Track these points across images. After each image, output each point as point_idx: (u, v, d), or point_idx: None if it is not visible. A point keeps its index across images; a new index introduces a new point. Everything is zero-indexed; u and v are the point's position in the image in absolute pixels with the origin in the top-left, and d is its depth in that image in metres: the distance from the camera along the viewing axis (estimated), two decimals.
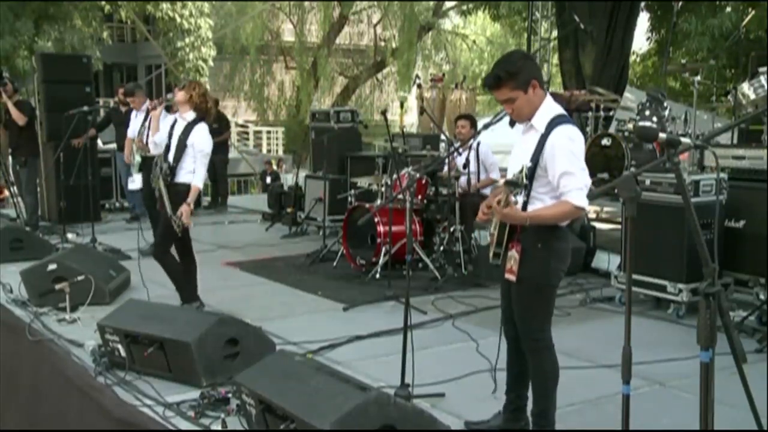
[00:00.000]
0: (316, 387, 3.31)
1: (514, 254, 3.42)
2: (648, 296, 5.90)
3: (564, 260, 3.51)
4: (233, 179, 21.94)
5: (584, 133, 9.18)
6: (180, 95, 5.59)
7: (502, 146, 8.51)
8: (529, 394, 3.65)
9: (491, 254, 3.61)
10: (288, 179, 11.95)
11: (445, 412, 3.90)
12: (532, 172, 3.30)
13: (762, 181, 5.88)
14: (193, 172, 5.57)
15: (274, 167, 21.17)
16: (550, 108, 3.40)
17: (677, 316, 5.67)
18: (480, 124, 7.74)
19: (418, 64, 27.90)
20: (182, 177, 5.56)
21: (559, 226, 3.39)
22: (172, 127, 5.66)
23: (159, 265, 5.72)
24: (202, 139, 5.59)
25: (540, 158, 3.30)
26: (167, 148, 5.62)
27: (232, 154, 27.04)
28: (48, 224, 9.69)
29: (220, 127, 11.76)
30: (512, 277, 3.45)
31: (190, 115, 5.61)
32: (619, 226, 7.77)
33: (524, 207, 3.37)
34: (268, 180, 19.42)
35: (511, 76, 3.31)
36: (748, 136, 7.15)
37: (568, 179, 3.25)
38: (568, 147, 3.26)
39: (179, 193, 5.51)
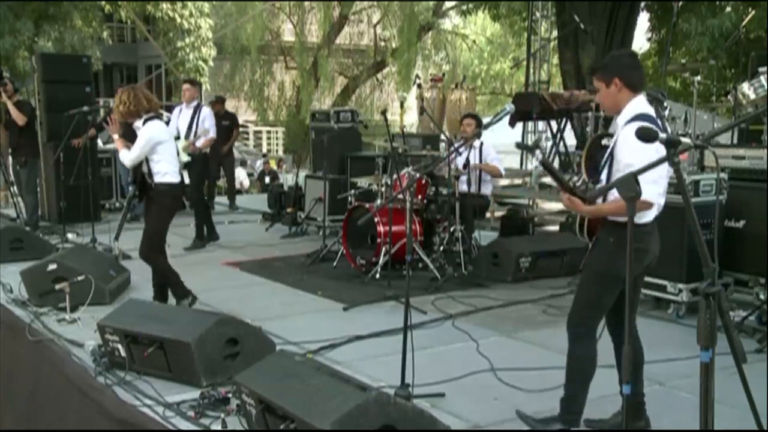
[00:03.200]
0: (316, 387, 3.31)
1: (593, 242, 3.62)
2: (648, 296, 5.90)
3: (637, 260, 3.45)
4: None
5: (584, 133, 9.19)
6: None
7: (502, 146, 8.52)
8: (646, 391, 3.75)
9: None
10: (288, 179, 11.95)
11: (445, 412, 3.90)
12: (609, 168, 3.52)
13: (762, 181, 5.88)
14: (171, 172, 5.61)
15: (273, 167, 21.18)
16: (635, 108, 3.55)
17: (677, 316, 5.67)
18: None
19: (418, 64, 27.92)
20: (160, 177, 5.59)
21: (638, 225, 3.45)
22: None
23: (147, 263, 5.75)
24: (140, 136, 5.55)
25: (614, 153, 3.49)
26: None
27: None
28: (48, 224, 9.68)
29: (231, 125, 11.84)
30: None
31: (139, 123, 5.62)
32: None
33: (604, 200, 3.53)
34: (267, 180, 19.47)
35: (598, 69, 3.66)
36: (748, 136, 7.15)
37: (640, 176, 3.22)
38: (636, 143, 3.16)
39: (162, 193, 5.58)
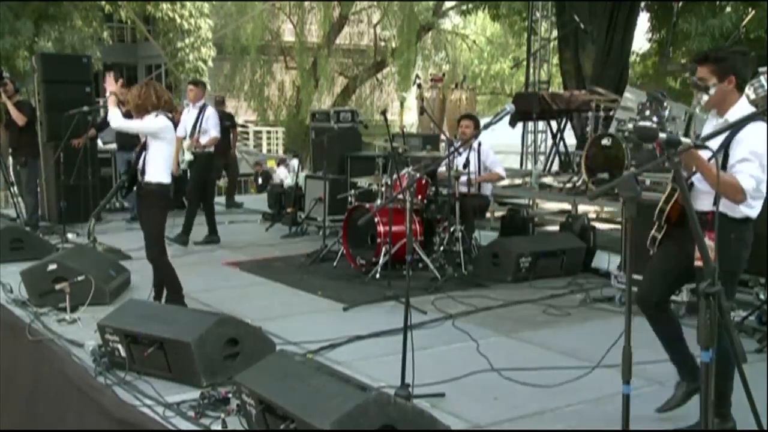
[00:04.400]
0: (316, 387, 3.31)
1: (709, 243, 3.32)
2: None
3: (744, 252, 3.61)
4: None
5: (584, 133, 9.19)
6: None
7: (502, 146, 8.53)
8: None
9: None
10: (288, 179, 11.96)
11: (445, 412, 3.90)
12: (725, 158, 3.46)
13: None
14: (164, 172, 5.56)
15: (265, 167, 21.15)
16: (742, 109, 3.54)
17: (677, 316, 5.66)
18: (480, 124, 7.75)
19: (418, 64, 27.92)
20: (152, 176, 5.54)
21: (746, 219, 3.51)
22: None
23: (153, 269, 5.72)
24: (149, 119, 5.57)
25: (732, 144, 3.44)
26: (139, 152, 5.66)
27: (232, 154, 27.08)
28: (48, 224, 9.68)
29: (232, 125, 11.88)
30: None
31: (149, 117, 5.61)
32: (619, 226, 7.78)
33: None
34: (260, 181, 19.49)
35: (714, 61, 3.51)
36: None
37: (745, 165, 3.39)
38: (755, 139, 3.39)
39: (152, 192, 5.54)
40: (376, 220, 6.88)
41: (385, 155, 7.60)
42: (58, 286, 5.67)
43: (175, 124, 6.15)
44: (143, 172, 5.53)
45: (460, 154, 7.51)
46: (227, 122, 11.32)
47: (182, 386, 4.17)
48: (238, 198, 12.89)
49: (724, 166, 3.46)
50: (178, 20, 26.49)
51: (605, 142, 7.66)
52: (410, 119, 18.15)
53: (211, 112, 8.69)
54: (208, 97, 9.58)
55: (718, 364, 3.02)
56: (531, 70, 13.57)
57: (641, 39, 18.46)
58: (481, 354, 4.80)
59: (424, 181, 7.24)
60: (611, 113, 8.70)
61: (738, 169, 3.40)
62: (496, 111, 4.88)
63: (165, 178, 5.56)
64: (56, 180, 9.22)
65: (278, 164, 22.28)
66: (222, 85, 29.87)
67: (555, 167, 12.09)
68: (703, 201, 3.50)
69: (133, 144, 7.83)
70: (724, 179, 3.32)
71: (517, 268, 6.91)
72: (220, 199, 12.81)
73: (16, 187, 9.72)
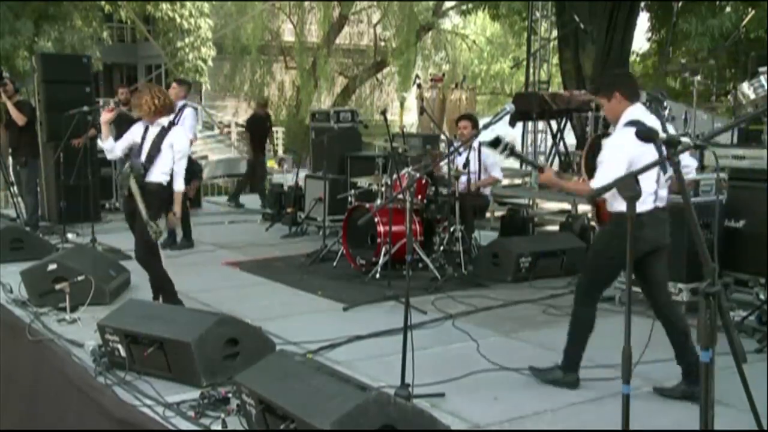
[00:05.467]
0: (316, 387, 3.30)
1: None
2: None
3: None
4: (233, 179, 21.96)
5: (584, 133, 9.20)
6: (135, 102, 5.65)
7: None
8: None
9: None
10: (288, 179, 11.96)
11: (445, 412, 3.90)
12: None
13: (762, 181, 5.87)
14: (167, 174, 5.53)
15: (274, 166, 21.13)
16: (631, 115, 4.09)
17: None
18: (480, 124, 7.75)
19: (418, 64, 27.93)
20: (154, 177, 5.51)
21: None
22: (145, 131, 5.62)
23: (145, 269, 5.70)
24: (181, 139, 5.60)
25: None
26: (139, 152, 5.58)
27: (232, 153, 27.16)
28: (48, 224, 9.68)
29: (271, 126, 11.98)
30: None
31: (164, 120, 5.60)
32: None
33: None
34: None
35: (598, 90, 4.34)
36: (748, 136, 7.15)
37: (599, 167, 4.07)
38: (612, 143, 4.09)
39: (151, 193, 5.48)
40: (376, 220, 6.88)
41: (385, 155, 7.60)
42: (58, 286, 5.66)
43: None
44: (146, 172, 5.52)
45: (459, 154, 7.51)
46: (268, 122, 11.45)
47: (182, 386, 4.16)
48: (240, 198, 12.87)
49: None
50: (178, 20, 26.50)
51: (605, 142, 7.65)
52: (410, 119, 18.16)
53: (188, 113, 8.44)
54: (209, 96, 9.56)
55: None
56: (531, 70, 13.56)
57: (641, 39, 18.48)
58: (481, 354, 4.80)
59: (424, 181, 7.24)
60: None
61: (597, 172, 4.05)
62: (496, 111, 4.88)
63: (166, 180, 5.56)
64: (56, 180, 9.21)
65: (279, 164, 22.29)
66: (222, 85, 29.90)
67: (555, 167, 12.08)
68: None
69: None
70: (580, 189, 4.26)
71: (517, 268, 6.91)
72: (219, 198, 12.82)
73: (16, 187, 9.72)
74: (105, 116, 5.70)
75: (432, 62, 30.67)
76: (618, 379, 2.74)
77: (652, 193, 4.09)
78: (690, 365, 4.06)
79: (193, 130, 8.56)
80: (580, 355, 4.31)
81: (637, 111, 4.12)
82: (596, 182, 3.99)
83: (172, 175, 5.55)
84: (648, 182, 3.94)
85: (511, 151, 4.25)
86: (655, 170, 4.01)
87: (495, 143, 4.27)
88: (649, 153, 3.77)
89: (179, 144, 5.56)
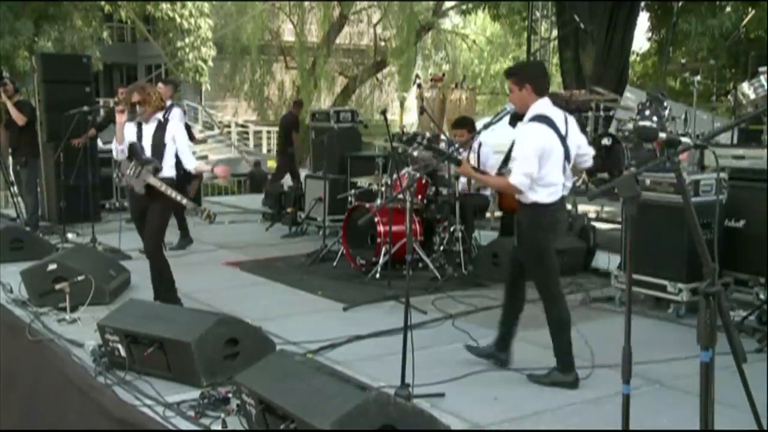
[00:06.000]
0: (316, 387, 3.31)
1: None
2: (648, 296, 5.90)
3: (552, 230, 4.44)
4: (233, 179, 21.96)
5: (584, 133, 9.18)
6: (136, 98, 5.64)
7: (502, 146, 8.52)
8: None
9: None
10: (288, 179, 11.95)
11: (445, 412, 3.90)
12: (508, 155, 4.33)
13: (762, 181, 5.87)
14: (173, 167, 5.65)
15: (274, 166, 21.14)
16: (538, 109, 4.27)
17: (677, 316, 5.67)
18: (480, 124, 7.74)
19: (418, 63, 27.91)
20: (165, 172, 5.62)
21: (548, 204, 4.31)
22: (140, 129, 5.67)
23: (150, 262, 5.72)
24: (181, 132, 5.75)
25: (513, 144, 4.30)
26: (141, 150, 5.64)
27: (232, 154, 27.16)
28: (48, 224, 9.68)
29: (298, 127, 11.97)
30: None
31: (159, 114, 5.68)
32: (619, 226, 7.77)
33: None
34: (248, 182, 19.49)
35: (513, 74, 4.38)
36: (748, 136, 7.15)
37: (514, 163, 4.25)
38: (525, 139, 4.21)
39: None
40: (376, 220, 6.88)
41: (385, 155, 7.59)
42: (58, 286, 5.67)
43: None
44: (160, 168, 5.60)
45: (460, 154, 7.50)
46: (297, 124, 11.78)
47: (182, 386, 4.17)
48: (237, 198, 12.87)
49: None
50: (178, 20, 26.50)
51: (605, 142, 7.66)
52: (410, 119, 18.14)
53: (176, 113, 8.34)
54: (209, 96, 9.55)
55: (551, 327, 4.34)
56: None
57: (641, 39, 18.50)
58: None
59: (424, 181, 7.24)
60: (611, 113, 8.70)
61: (511, 169, 4.27)
62: (496, 111, 4.88)
63: (175, 173, 5.70)
64: (56, 180, 9.21)
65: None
66: (222, 85, 29.88)
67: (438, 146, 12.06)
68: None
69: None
70: (499, 183, 4.48)
71: None
72: (220, 198, 12.81)
73: (16, 187, 9.72)
74: (120, 118, 5.64)
75: (432, 62, 30.65)
76: (618, 379, 2.73)
77: (562, 184, 4.35)
78: (506, 335, 4.61)
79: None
80: (571, 351, 4.37)
81: (544, 105, 4.31)
82: (513, 176, 4.21)
83: (177, 167, 5.68)
84: (558, 173, 4.29)
85: (426, 146, 4.50)
86: (562, 161, 4.29)
87: (410, 140, 4.56)
88: (557, 147, 4.22)
89: (180, 137, 5.71)
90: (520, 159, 4.20)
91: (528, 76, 4.34)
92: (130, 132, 5.69)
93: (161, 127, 5.65)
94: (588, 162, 4.67)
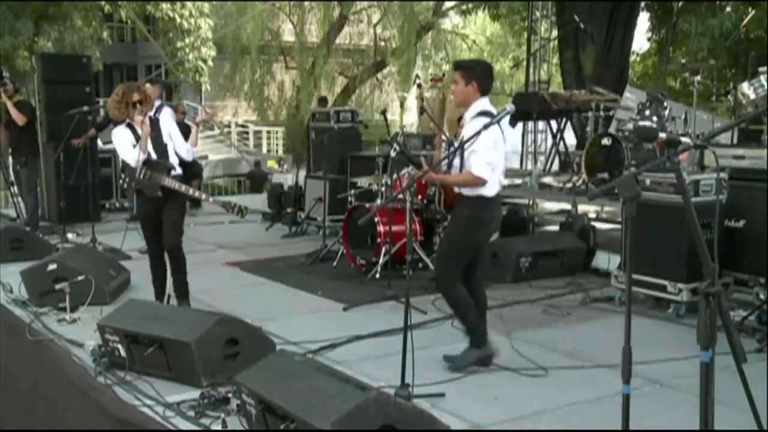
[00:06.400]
0: (316, 387, 3.31)
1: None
2: (648, 296, 5.90)
3: (487, 227, 4.66)
4: (233, 179, 21.98)
5: (584, 133, 9.18)
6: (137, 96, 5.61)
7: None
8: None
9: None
10: (288, 179, 11.95)
11: (445, 412, 3.90)
12: (461, 154, 4.42)
13: (762, 181, 5.87)
14: (179, 164, 5.70)
15: (275, 166, 21.19)
16: (480, 106, 4.51)
17: (677, 316, 5.67)
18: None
19: (418, 63, 27.90)
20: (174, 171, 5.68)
21: (486, 197, 4.44)
22: (133, 130, 5.60)
23: (173, 258, 5.68)
24: (174, 126, 5.80)
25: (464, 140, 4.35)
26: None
27: (232, 153, 27.16)
28: (48, 224, 9.68)
29: None
30: None
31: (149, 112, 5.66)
32: (619, 226, 7.78)
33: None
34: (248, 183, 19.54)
35: (462, 68, 4.58)
36: (748, 136, 7.15)
37: (474, 156, 4.35)
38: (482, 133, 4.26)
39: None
40: (376, 220, 6.88)
41: (385, 155, 7.59)
42: (58, 286, 5.67)
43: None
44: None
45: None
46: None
47: (182, 386, 4.17)
48: (237, 198, 12.87)
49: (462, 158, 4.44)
50: (178, 20, 26.50)
51: (605, 142, 7.65)
52: (410, 119, 18.16)
53: (167, 112, 8.44)
54: (209, 96, 9.53)
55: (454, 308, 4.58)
56: (531, 70, 13.55)
57: (641, 39, 18.50)
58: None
59: (424, 181, 7.23)
60: (611, 113, 8.69)
61: (470, 162, 4.37)
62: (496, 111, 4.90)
63: (181, 171, 5.75)
64: (56, 180, 9.22)
65: (278, 164, 22.33)
66: (222, 85, 29.87)
67: (555, 167, 12.08)
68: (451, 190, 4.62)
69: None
70: (464, 178, 4.42)
71: (517, 268, 6.91)
72: (220, 198, 12.77)
73: (16, 187, 9.72)
74: (146, 129, 5.55)
75: (432, 62, 30.65)
76: (618, 379, 2.73)
77: (499, 180, 4.51)
78: (482, 331, 4.66)
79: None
80: (478, 326, 4.59)
81: (486, 103, 4.57)
82: (476, 167, 4.34)
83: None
84: (501, 168, 4.50)
85: (397, 150, 4.78)
86: (504, 159, 4.53)
87: (391, 141, 4.68)
88: (502, 143, 4.46)
89: (174, 132, 5.76)
90: (481, 150, 4.34)
91: (477, 75, 4.53)
92: (126, 135, 5.60)
93: (155, 126, 5.64)
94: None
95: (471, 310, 4.58)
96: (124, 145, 5.60)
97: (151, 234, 5.74)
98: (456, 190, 4.60)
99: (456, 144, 7.70)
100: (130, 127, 5.60)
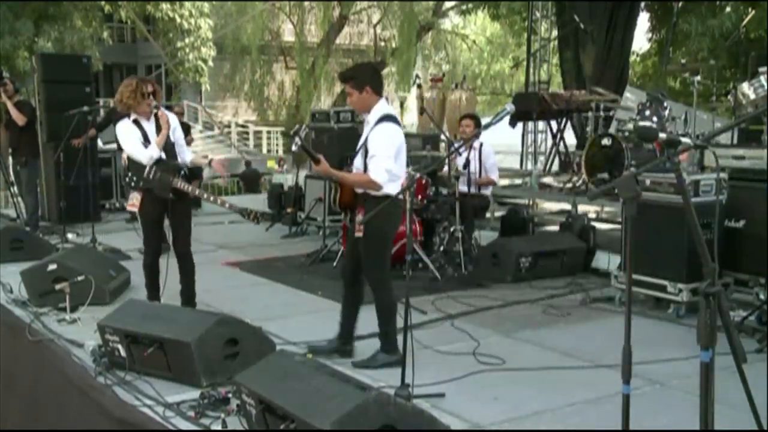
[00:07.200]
0: (316, 387, 3.30)
1: (359, 216, 4.62)
2: (648, 296, 5.90)
3: (394, 222, 4.75)
4: (233, 179, 21.96)
5: (584, 133, 9.19)
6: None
7: (502, 146, 8.52)
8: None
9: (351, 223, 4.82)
10: (288, 179, 11.95)
11: (445, 412, 3.90)
12: (364, 156, 4.51)
13: (762, 181, 5.87)
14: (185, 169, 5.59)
15: (274, 166, 21.19)
16: (381, 109, 4.56)
17: (677, 316, 5.67)
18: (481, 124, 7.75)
19: (418, 64, 27.92)
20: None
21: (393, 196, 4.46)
22: (140, 127, 5.44)
23: (183, 262, 5.66)
24: (176, 124, 5.61)
25: (367, 145, 4.50)
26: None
27: (232, 153, 27.18)
28: (48, 224, 9.68)
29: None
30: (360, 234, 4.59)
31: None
32: (619, 226, 7.78)
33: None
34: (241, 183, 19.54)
35: (351, 78, 4.58)
36: (748, 136, 7.15)
37: (374, 160, 4.45)
38: (382, 138, 4.45)
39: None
40: None
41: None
42: (58, 286, 5.66)
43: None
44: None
45: (460, 154, 7.51)
46: None
47: (182, 386, 4.16)
48: (237, 198, 12.86)
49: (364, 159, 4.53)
50: (178, 20, 26.51)
51: (605, 142, 7.66)
52: (410, 119, 18.16)
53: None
54: (209, 96, 9.53)
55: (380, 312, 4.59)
56: (531, 70, 13.57)
57: (641, 39, 18.54)
58: (481, 354, 4.80)
59: (424, 181, 7.24)
60: (611, 113, 8.70)
61: (370, 166, 4.46)
62: (496, 111, 4.89)
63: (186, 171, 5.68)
64: (56, 180, 9.21)
65: (278, 164, 22.34)
66: (222, 85, 29.88)
67: (555, 167, 12.10)
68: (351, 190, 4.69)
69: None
70: (360, 180, 4.54)
71: (517, 268, 6.91)
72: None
73: (16, 187, 9.72)
74: (168, 124, 5.48)
75: (432, 62, 30.70)
76: (618, 379, 2.73)
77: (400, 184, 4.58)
78: (351, 328, 4.78)
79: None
80: (396, 335, 4.59)
81: (385, 105, 4.64)
82: (374, 172, 4.43)
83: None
84: (403, 167, 4.64)
85: (298, 144, 4.87)
86: (406, 157, 4.68)
87: (294, 134, 4.83)
88: (404, 144, 4.59)
89: (178, 130, 5.63)
90: (381, 157, 4.43)
91: (366, 79, 4.55)
92: (132, 130, 5.41)
93: (159, 124, 5.45)
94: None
95: (396, 312, 4.61)
96: (132, 141, 5.39)
97: (158, 234, 5.64)
98: (359, 190, 4.65)
99: (456, 144, 7.78)
100: (136, 123, 5.42)
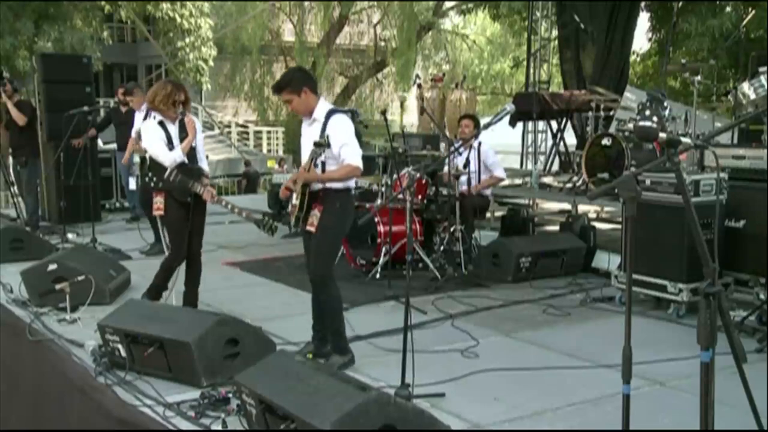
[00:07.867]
0: (316, 387, 3.30)
1: (316, 213, 4.56)
2: (648, 296, 5.90)
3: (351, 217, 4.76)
4: (233, 179, 21.99)
5: (584, 133, 9.19)
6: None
7: (502, 146, 8.52)
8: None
9: (293, 220, 4.71)
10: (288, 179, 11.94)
11: (445, 412, 3.90)
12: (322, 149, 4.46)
13: (762, 181, 5.87)
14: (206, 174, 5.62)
15: (274, 166, 21.17)
16: (325, 105, 4.61)
17: (677, 316, 5.67)
18: (480, 124, 7.75)
19: (418, 63, 27.94)
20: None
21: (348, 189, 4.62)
22: (164, 127, 5.45)
23: (194, 264, 5.66)
24: (200, 128, 5.69)
25: (329, 140, 4.46)
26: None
27: (232, 154, 27.18)
28: (48, 224, 9.68)
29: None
30: (312, 229, 4.57)
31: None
32: (619, 226, 7.78)
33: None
34: (244, 183, 19.50)
35: (286, 85, 4.54)
36: (748, 136, 7.15)
37: (346, 148, 4.45)
38: (343, 127, 4.50)
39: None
40: (376, 220, 6.88)
41: (385, 155, 7.59)
42: (58, 286, 5.66)
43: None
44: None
45: (460, 154, 7.51)
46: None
47: (182, 386, 4.17)
48: (237, 198, 12.86)
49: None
50: (178, 20, 26.49)
51: (605, 142, 7.66)
52: (410, 119, 18.16)
53: (139, 117, 8.19)
54: (209, 96, 9.53)
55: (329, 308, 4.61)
56: (531, 70, 13.57)
57: (641, 39, 18.52)
58: (481, 354, 4.80)
59: (424, 181, 7.24)
60: (611, 113, 8.70)
61: (344, 155, 4.45)
62: (496, 111, 4.89)
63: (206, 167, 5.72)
64: (56, 180, 9.22)
65: (278, 164, 22.33)
66: (222, 85, 29.88)
67: (555, 167, 12.10)
68: (316, 185, 4.56)
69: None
70: (345, 171, 4.50)
71: (517, 268, 6.91)
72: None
73: (16, 187, 9.72)
74: (195, 131, 5.53)
75: (432, 62, 30.70)
76: (618, 379, 2.73)
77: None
78: (321, 331, 4.72)
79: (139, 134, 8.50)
80: (345, 334, 4.69)
81: (325, 102, 4.69)
82: (353, 158, 4.47)
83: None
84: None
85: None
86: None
87: None
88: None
89: (200, 135, 5.72)
90: (351, 144, 4.50)
91: (301, 82, 4.54)
92: (158, 132, 5.42)
93: (183, 128, 5.49)
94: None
95: (342, 309, 4.69)
96: (157, 142, 5.41)
97: (185, 238, 5.53)
98: (319, 186, 4.54)
99: (456, 144, 7.78)
100: (162, 124, 5.43)
